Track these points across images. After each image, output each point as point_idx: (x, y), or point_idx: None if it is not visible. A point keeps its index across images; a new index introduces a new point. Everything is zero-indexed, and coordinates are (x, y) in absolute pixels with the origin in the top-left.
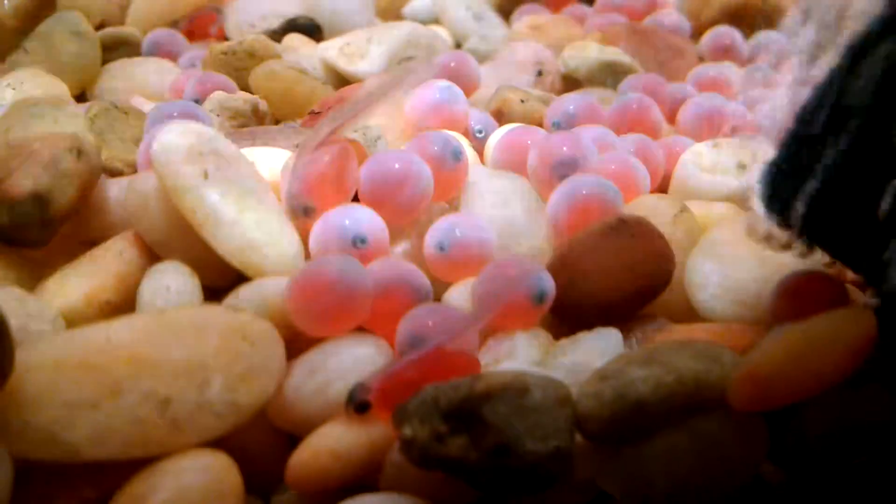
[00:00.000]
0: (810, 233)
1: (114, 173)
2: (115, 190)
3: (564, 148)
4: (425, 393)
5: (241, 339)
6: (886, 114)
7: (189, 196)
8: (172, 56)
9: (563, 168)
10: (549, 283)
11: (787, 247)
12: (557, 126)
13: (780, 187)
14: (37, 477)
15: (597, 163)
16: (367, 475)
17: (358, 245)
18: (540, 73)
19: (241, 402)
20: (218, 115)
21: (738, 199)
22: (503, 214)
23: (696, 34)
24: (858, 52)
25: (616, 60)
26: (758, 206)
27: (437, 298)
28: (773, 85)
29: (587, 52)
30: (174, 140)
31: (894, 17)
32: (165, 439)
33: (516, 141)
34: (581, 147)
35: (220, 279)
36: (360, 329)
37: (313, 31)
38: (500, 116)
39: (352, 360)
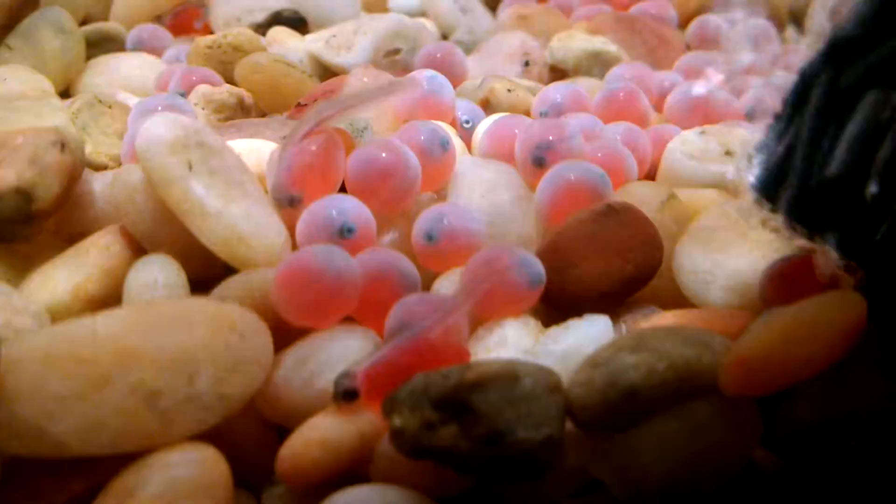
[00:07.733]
0: (799, 216)
1: (98, 167)
2: (99, 184)
3: (542, 131)
4: (415, 382)
5: (228, 331)
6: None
7: (174, 188)
8: (157, 51)
9: (541, 150)
10: (540, 268)
11: (777, 230)
12: (545, 116)
13: (769, 171)
14: (25, 471)
15: (584, 150)
16: (357, 466)
17: (345, 235)
18: (527, 64)
19: (230, 394)
20: (203, 108)
21: (726, 186)
22: (491, 203)
23: (683, 23)
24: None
25: (603, 50)
26: (749, 190)
27: (427, 289)
28: (759, 72)
29: (574, 41)
30: (158, 132)
31: None
32: (154, 432)
33: (503, 130)
34: (560, 131)
35: (207, 271)
36: (349, 320)
37: (298, 23)
38: (487, 106)
39: (341, 351)
